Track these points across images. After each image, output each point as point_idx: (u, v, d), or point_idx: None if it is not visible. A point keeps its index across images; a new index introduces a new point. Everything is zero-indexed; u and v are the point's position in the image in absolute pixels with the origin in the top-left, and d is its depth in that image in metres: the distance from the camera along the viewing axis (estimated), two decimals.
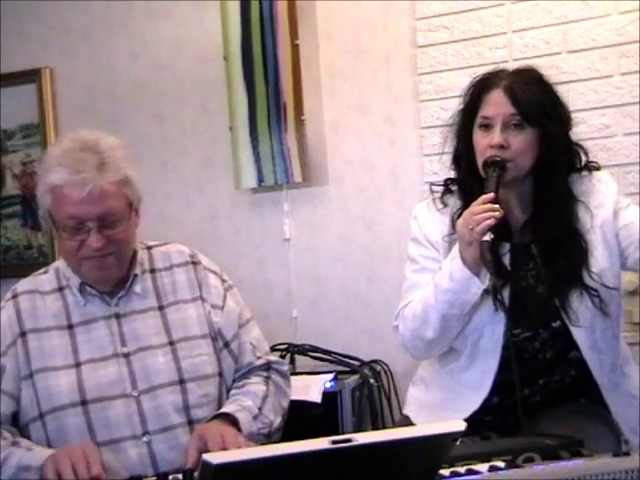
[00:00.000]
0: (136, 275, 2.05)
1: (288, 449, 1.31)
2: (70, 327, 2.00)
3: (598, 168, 2.23)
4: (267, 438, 2.04)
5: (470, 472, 1.58)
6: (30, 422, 1.97)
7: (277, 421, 2.08)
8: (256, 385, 2.09)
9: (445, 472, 1.57)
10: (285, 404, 2.14)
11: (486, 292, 2.12)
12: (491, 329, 2.14)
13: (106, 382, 1.96)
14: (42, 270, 2.12)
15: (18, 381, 1.97)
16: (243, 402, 2.03)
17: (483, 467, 1.60)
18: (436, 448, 1.44)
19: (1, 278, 3.57)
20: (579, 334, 2.14)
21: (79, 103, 3.77)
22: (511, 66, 2.22)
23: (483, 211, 2.03)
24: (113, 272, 2.00)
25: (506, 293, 2.13)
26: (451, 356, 2.23)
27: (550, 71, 2.96)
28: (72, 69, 3.78)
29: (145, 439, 1.94)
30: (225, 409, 2.00)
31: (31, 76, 3.79)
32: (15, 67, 3.80)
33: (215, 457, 1.28)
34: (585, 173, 2.21)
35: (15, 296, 2.05)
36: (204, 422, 1.97)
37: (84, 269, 1.97)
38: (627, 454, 1.57)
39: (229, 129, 3.44)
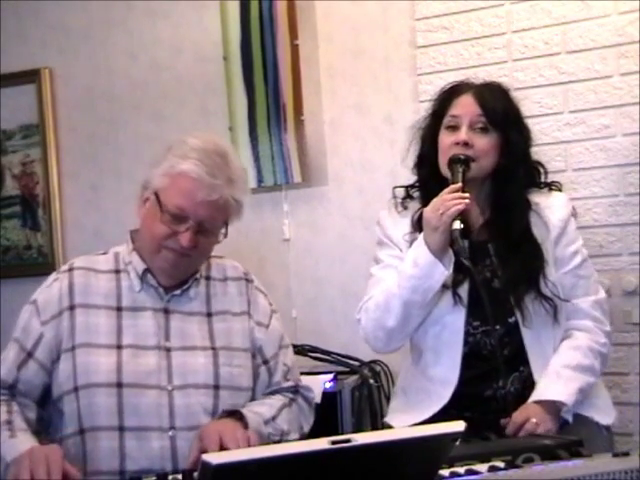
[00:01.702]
0: (196, 279, 2.09)
1: (288, 449, 1.32)
2: (119, 309, 2.04)
3: (560, 189, 2.35)
4: None
5: (470, 472, 1.58)
6: (64, 395, 1.99)
7: (292, 435, 2.07)
8: (275, 400, 2.11)
9: (445, 472, 1.57)
10: (306, 428, 2.15)
11: (445, 287, 2.19)
12: (451, 322, 2.21)
13: (144, 370, 1.98)
14: (101, 251, 2.16)
15: (54, 353, 2.00)
16: (255, 408, 2.04)
17: (483, 467, 1.60)
18: (436, 448, 1.44)
19: (1, 278, 3.57)
20: (527, 335, 2.20)
21: (78, 103, 3.76)
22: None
23: (453, 198, 2.11)
24: (180, 273, 2.05)
25: (465, 287, 2.20)
26: (419, 354, 2.31)
27: (550, 71, 3.00)
28: (71, 69, 3.78)
29: (170, 433, 1.97)
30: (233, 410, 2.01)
31: (31, 76, 3.78)
32: (15, 67, 3.79)
33: (215, 457, 1.28)
34: (545, 190, 2.33)
35: (71, 269, 2.08)
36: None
37: (160, 257, 2.02)
38: (627, 454, 1.58)
39: (229, 129, 3.44)
